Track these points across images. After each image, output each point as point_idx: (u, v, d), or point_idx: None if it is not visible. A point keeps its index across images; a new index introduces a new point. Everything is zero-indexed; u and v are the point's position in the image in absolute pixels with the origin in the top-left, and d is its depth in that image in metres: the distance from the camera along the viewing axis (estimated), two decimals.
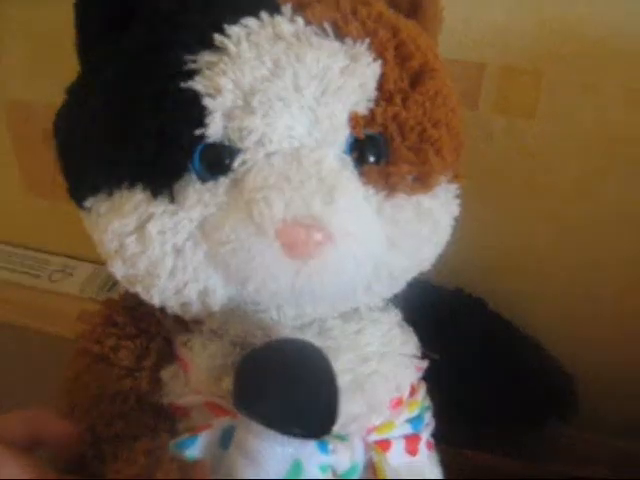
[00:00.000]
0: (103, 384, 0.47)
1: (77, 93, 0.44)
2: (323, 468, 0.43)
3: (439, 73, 0.43)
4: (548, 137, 0.59)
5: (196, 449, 0.41)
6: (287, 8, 0.41)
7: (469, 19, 0.56)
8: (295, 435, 0.38)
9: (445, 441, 0.52)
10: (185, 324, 0.46)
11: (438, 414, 0.52)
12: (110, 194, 0.41)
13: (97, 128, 0.41)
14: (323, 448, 0.44)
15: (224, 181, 0.39)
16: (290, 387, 0.38)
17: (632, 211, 0.60)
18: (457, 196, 0.46)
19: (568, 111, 0.57)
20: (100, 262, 0.73)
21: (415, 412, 0.50)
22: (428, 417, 0.51)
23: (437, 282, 0.55)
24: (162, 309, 0.45)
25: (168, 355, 0.47)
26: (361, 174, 0.40)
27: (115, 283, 0.72)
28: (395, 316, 0.50)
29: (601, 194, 0.60)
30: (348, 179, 0.39)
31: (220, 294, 0.42)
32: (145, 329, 0.48)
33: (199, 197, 0.39)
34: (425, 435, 0.51)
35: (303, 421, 0.38)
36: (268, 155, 0.39)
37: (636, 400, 0.65)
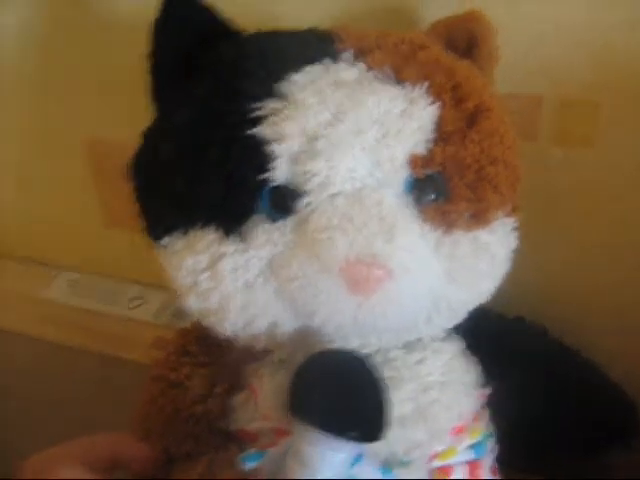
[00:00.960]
0: (177, 408, 0.50)
1: (151, 137, 0.47)
2: None
3: (494, 112, 0.45)
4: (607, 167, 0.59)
5: (261, 463, 0.44)
6: (348, 55, 0.43)
7: (526, 52, 0.57)
8: (350, 438, 0.40)
9: (510, 467, 0.53)
10: (255, 354, 0.49)
11: (502, 440, 0.53)
12: (185, 233, 0.44)
13: (168, 173, 0.44)
14: (386, 473, 0.46)
15: (290, 221, 0.41)
16: (342, 391, 0.41)
17: None
18: (514, 229, 0.47)
19: (627, 141, 0.58)
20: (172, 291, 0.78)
21: (477, 438, 0.51)
22: (491, 443, 0.52)
23: (499, 311, 0.55)
24: (233, 340, 0.47)
25: (237, 383, 0.49)
26: (420, 212, 0.42)
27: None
28: (458, 345, 0.51)
29: None
30: (407, 218, 0.41)
31: (288, 327, 0.44)
32: (216, 358, 0.50)
33: (268, 237, 0.41)
34: (488, 460, 0.52)
35: (356, 423, 0.40)
36: (331, 196, 0.41)
37: None
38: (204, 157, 0.42)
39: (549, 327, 0.61)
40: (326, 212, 0.40)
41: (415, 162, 0.42)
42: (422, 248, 0.42)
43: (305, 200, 0.41)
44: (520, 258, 0.48)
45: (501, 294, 0.49)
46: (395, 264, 0.40)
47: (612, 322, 0.64)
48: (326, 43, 0.44)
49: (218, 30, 0.47)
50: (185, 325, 0.71)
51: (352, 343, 0.46)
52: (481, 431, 0.52)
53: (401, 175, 0.42)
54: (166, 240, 0.45)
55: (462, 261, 0.43)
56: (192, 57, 0.46)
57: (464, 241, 0.43)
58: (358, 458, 0.45)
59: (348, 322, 0.42)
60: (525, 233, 0.48)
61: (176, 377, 0.50)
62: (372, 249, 0.39)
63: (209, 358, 0.51)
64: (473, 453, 0.51)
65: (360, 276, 0.39)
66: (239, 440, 0.49)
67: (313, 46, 0.44)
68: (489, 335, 0.53)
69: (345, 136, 0.41)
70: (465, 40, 0.50)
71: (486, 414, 0.52)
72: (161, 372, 0.51)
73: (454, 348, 0.50)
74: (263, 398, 0.47)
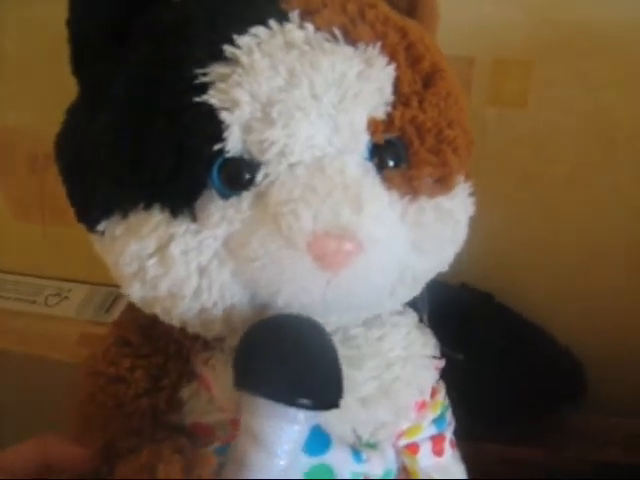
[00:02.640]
0: (119, 403, 0.45)
1: (81, 112, 0.43)
2: (356, 476, 0.43)
3: (448, 73, 0.43)
4: (541, 126, 0.59)
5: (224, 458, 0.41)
6: (294, 15, 0.40)
7: (456, 14, 0.55)
8: (303, 406, 0.37)
9: (462, 436, 0.53)
10: (205, 342, 0.45)
11: (454, 410, 0.52)
12: (125, 216, 0.40)
13: (108, 147, 0.40)
14: (357, 457, 0.44)
15: (247, 196, 0.38)
16: (292, 357, 0.37)
17: (629, 195, 0.61)
18: (471, 194, 0.45)
19: (560, 99, 0.58)
20: (95, 283, 0.73)
21: (438, 412, 0.50)
22: (449, 416, 0.52)
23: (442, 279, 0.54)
24: (180, 328, 0.44)
25: (187, 373, 0.46)
26: (383, 180, 0.40)
27: (112, 304, 0.70)
28: (413, 318, 0.49)
29: (598, 180, 0.61)
30: (372, 186, 0.39)
31: (245, 311, 0.41)
32: (162, 348, 0.46)
33: (222, 214, 0.38)
34: (448, 434, 0.51)
35: (309, 390, 0.37)
36: (291, 166, 0.38)
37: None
38: (147, 129, 0.38)
39: (493, 291, 0.61)
40: (287, 183, 0.37)
41: (375, 127, 0.39)
42: (389, 217, 0.39)
43: (263, 171, 0.38)
44: None
45: None
46: (364, 235, 0.37)
47: (555, 284, 0.65)
48: (270, 3, 0.41)
49: None
50: (111, 317, 0.68)
51: None
52: (440, 404, 0.51)
53: (361, 141, 0.39)
54: (103, 225, 0.41)
55: (428, 229, 0.41)
56: (118, 22, 0.42)
57: (429, 208, 0.41)
58: (326, 443, 0.43)
59: (315, 301, 0.39)
60: None
61: (116, 371, 0.46)
62: (339, 220, 0.37)
63: (153, 349, 0.46)
64: (435, 428, 0.50)
65: (328, 250, 0.37)
66: (192, 434, 0.45)
67: (257, 6, 0.41)
68: (435, 304, 0.52)
69: (301, 102, 0.38)
70: (406, 2, 0.48)
71: (443, 386, 0.51)
72: (98, 367, 0.47)
73: (410, 321, 0.49)
74: (219, 389, 0.44)
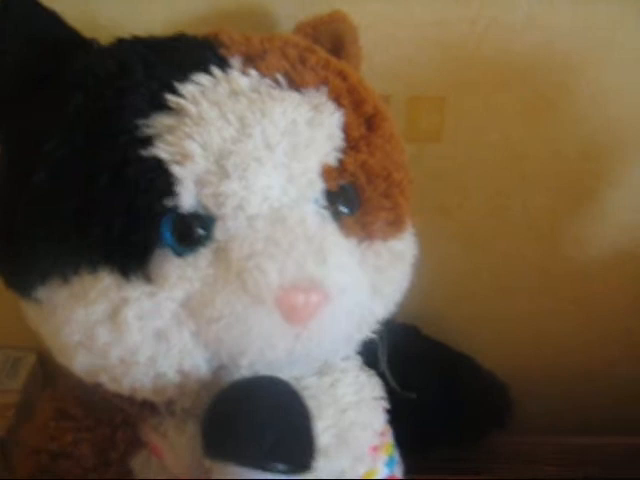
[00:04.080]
0: None
1: (6, 173, 0.39)
2: None
3: (387, 114, 0.43)
4: (455, 160, 0.61)
5: None
6: (236, 61, 0.39)
7: (372, 53, 0.56)
8: (279, 471, 0.36)
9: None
10: (152, 407, 0.42)
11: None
12: (66, 281, 0.37)
13: (44, 209, 0.37)
14: None
15: (205, 252, 0.36)
16: (269, 422, 0.36)
17: (536, 222, 0.64)
18: (414, 234, 0.46)
19: (473, 133, 0.59)
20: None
21: (389, 454, 0.50)
22: (397, 456, 0.51)
23: None
24: (122, 396, 0.41)
25: (135, 442, 0.43)
26: (341, 227, 0.39)
27: (13, 368, 0.65)
28: (357, 361, 0.49)
29: (511, 211, 0.63)
30: (333, 235, 0.38)
31: (203, 373, 0.39)
32: (106, 419, 0.43)
33: (180, 273, 0.36)
34: (398, 474, 0.51)
35: (286, 454, 0.36)
36: (249, 219, 0.36)
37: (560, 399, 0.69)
38: (89, 186, 0.36)
39: (416, 323, 0.62)
40: (247, 238, 0.36)
41: (328, 174, 0.39)
42: (351, 264, 0.39)
43: (220, 226, 0.36)
44: None
45: None
46: (331, 285, 0.36)
47: (473, 311, 0.66)
48: (208, 49, 0.39)
49: (66, 37, 0.41)
50: (16, 384, 0.62)
51: None
52: (390, 446, 0.50)
53: (316, 189, 0.39)
54: (41, 291, 0.38)
55: (385, 272, 0.41)
56: (38, 73, 0.39)
57: (383, 251, 0.41)
58: None
59: (281, 356, 0.38)
60: None
61: (59, 446, 0.43)
62: (306, 272, 0.36)
63: (95, 421, 0.43)
64: (387, 469, 0.49)
65: (297, 303, 0.35)
66: None
67: (194, 53, 0.39)
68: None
69: (255, 152, 0.37)
70: (331, 41, 0.48)
71: (389, 427, 0.51)
72: (38, 444, 0.43)
73: (355, 364, 0.48)
74: (172, 456, 0.41)
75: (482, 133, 0.59)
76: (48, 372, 0.67)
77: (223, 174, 0.36)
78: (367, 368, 0.50)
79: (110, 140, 0.36)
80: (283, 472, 0.36)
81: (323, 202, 0.39)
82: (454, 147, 0.59)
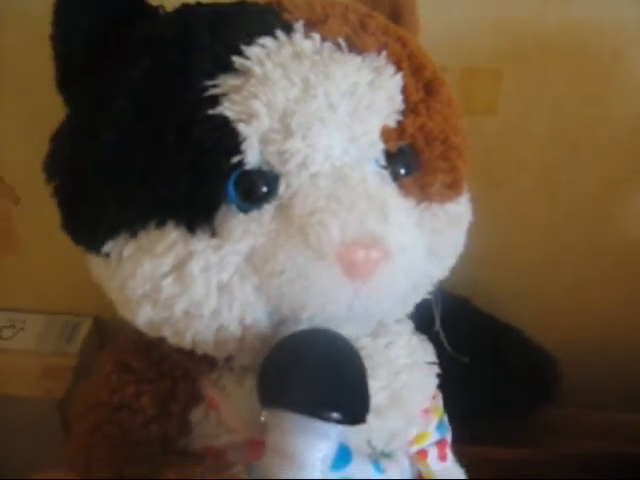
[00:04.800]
0: (126, 431, 0.44)
1: (76, 132, 0.41)
2: None
3: (445, 80, 0.44)
4: (507, 132, 0.61)
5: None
6: (299, 25, 0.40)
7: (428, 23, 0.56)
8: (335, 421, 0.36)
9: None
10: (211, 362, 0.43)
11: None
12: (134, 235, 0.38)
13: (114, 166, 0.38)
14: (377, 468, 0.44)
15: (269, 208, 0.37)
16: (323, 372, 0.37)
17: (585, 195, 0.64)
18: (469, 200, 0.46)
19: (526, 105, 0.60)
20: (48, 312, 0.69)
21: (439, 418, 0.50)
22: (446, 421, 0.52)
23: None
24: (183, 349, 0.42)
25: (194, 396, 0.44)
26: (400, 187, 0.40)
27: (72, 333, 0.67)
28: (410, 325, 0.49)
29: (561, 185, 0.63)
30: (392, 194, 0.39)
31: (263, 327, 0.40)
32: (167, 372, 0.45)
33: (245, 228, 0.37)
34: (448, 439, 0.51)
35: (340, 404, 0.36)
36: (312, 177, 0.37)
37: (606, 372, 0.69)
38: (157, 144, 0.37)
39: (466, 294, 0.62)
40: (310, 194, 0.37)
41: (388, 135, 0.39)
42: (410, 224, 0.39)
43: (284, 183, 0.37)
44: None
45: None
46: (391, 243, 0.37)
47: (524, 284, 0.66)
48: (272, 14, 0.40)
49: (133, 5, 0.42)
50: (74, 347, 0.64)
51: None
52: (440, 410, 0.51)
53: (377, 149, 0.39)
54: (109, 246, 0.39)
55: (442, 234, 0.42)
56: (106, 37, 0.41)
57: (441, 214, 0.42)
58: (347, 456, 0.42)
59: (341, 312, 0.38)
60: None
61: (120, 399, 0.44)
62: (367, 229, 0.36)
63: (157, 373, 0.45)
64: (438, 433, 0.50)
65: (358, 259, 0.36)
66: (203, 458, 0.44)
67: (259, 17, 0.40)
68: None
69: (318, 112, 0.37)
70: (389, 10, 0.48)
71: (439, 392, 0.51)
72: (100, 397, 0.45)
73: (408, 329, 0.49)
74: (230, 410, 0.43)
75: (536, 105, 0.59)
76: (104, 337, 0.69)
77: (287, 132, 0.37)
78: (419, 333, 0.50)
79: (177, 100, 0.37)
80: (338, 422, 0.36)
81: (383, 162, 0.40)
82: (507, 119, 0.59)
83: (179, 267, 0.37)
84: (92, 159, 0.39)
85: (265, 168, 0.37)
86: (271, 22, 0.40)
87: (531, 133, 0.60)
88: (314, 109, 0.37)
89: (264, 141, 0.37)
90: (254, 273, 0.37)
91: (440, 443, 0.50)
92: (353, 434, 0.43)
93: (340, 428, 0.38)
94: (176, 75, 0.38)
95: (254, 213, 0.37)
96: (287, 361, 0.37)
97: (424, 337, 0.50)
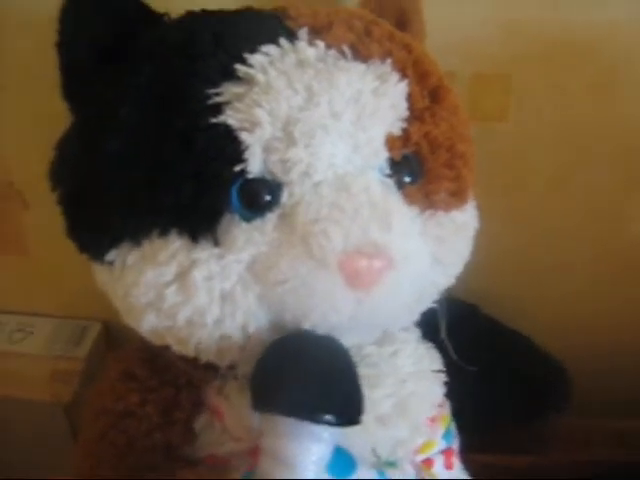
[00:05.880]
0: (131, 439, 0.44)
1: (82, 139, 0.41)
2: None
3: (451, 87, 0.44)
4: (518, 139, 0.60)
5: None
6: (303, 32, 0.39)
7: (436, 30, 0.56)
8: (327, 423, 0.36)
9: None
10: (215, 370, 0.44)
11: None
12: (137, 243, 0.38)
13: (118, 174, 0.38)
14: (382, 476, 0.43)
15: (271, 217, 0.37)
16: (315, 374, 0.37)
17: (597, 200, 0.63)
18: (475, 207, 0.46)
19: (537, 111, 0.59)
20: (57, 316, 0.69)
21: (446, 426, 0.50)
22: (454, 429, 0.52)
23: None
24: (186, 358, 0.42)
25: (198, 404, 0.44)
26: (404, 196, 0.40)
27: (81, 337, 0.67)
28: (417, 333, 0.49)
29: (572, 189, 0.62)
30: (396, 202, 0.39)
31: (265, 336, 0.40)
32: (171, 380, 0.45)
33: (248, 237, 0.37)
34: (455, 447, 0.51)
35: (333, 406, 0.36)
36: (315, 186, 0.37)
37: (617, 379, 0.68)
38: (161, 153, 0.37)
39: (474, 302, 0.61)
40: (313, 203, 0.37)
41: (392, 143, 0.39)
42: (414, 232, 0.39)
43: (286, 192, 0.37)
44: None
45: None
46: (395, 252, 0.37)
47: (533, 291, 0.66)
48: (276, 21, 0.40)
49: (138, 14, 0.42)
50: (82, 351, 0.65)
51: None
52: (447, 418, 0.51)
53: (381, 157, 0.39)
54: (113, 254, 0.39)
55: (446, 242, 0.42)
56: (111, 45, 0.41)
57: (445, 222, 0.41)
58: (352, 465, 0.42)
59: (344, 321, 0.38)
60: None
61: (125, 406, 0.44)
62: (370, 238, 0.36)
63: (160, 382, 0.45)
64: (444, 442, 0.50)
65: (361, 268, 0.36)
66: (207, 466, 0.44)
67: (263, 24, 0.40)
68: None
69: (321, 120, 0.37)
70: (395, 16, 0.48)
71: (446, 400, 0.51)
72: (106, 404, 0.45)
73: (415, 336, 0.49)
74: (235, 419, 0.43)
75: (546, 111, 0.59)
76: (112, 341, 0.70)
77: (290, 141, 0.37)
78: (425, 341, 0.50)
79: (181, 108, 0.37)
80: (330, 424, 0.36)
81: (387, 171, 0.40)
82: (518, 125, 0.59)
83: (182, 276, 0.37)
84: (96, 167, 0.39)
85: (268, 177, 0.37)
86: (275, 29, 0.39)
87: (542, 138, 0.60)
88: (317, 117, 0.37)
89: (267, 150, 0.37)
90: (257, 282, 0.37)
91: (447, 451, 0.49)
92: (357, 442, 0.43)
93: (334, 430, 0.38)
94: (180, 82, 0.38)
95: (257, 222, 0.37)
96: (278, 364, 0.38)
97: (431, 345, 0.50)
